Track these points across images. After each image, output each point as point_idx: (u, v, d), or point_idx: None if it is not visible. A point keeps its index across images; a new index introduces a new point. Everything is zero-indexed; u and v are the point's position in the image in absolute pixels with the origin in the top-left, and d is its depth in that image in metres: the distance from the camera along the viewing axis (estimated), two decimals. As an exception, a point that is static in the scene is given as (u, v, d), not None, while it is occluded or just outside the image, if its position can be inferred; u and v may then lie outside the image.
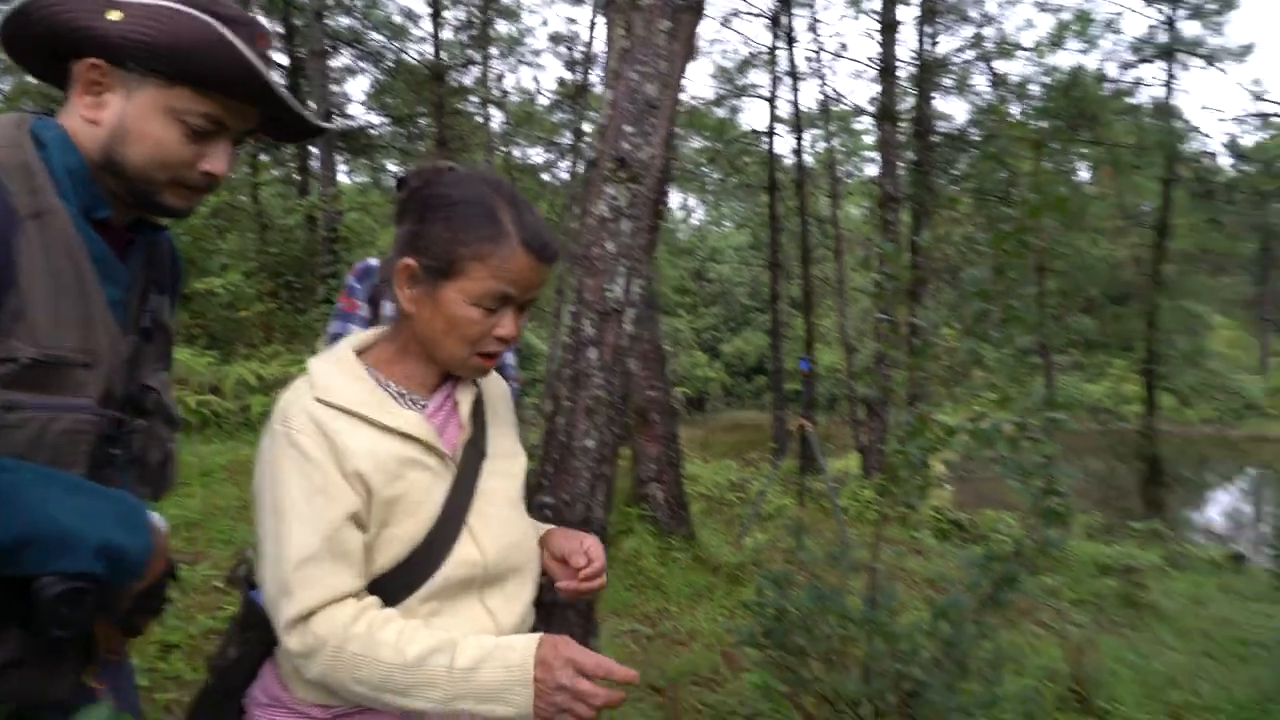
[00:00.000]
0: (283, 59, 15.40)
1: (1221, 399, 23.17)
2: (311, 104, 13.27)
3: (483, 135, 15.78)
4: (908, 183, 10.89)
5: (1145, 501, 10.46)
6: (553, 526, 1.45)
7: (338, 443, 1.14)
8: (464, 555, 1.21)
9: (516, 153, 18.49)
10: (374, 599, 1.15)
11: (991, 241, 2.40)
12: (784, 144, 26.34)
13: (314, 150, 13.77)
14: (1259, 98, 12.21)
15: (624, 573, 5.09)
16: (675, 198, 41.30)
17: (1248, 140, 13.97)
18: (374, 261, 2.52)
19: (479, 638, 1.14)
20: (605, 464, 1.66)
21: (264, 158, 14.65)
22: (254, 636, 1.24)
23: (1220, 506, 14.67)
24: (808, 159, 15.43)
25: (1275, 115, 11.90)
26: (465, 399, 1.30)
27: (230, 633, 1.29)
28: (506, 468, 1.34)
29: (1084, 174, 15.65)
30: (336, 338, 2.53)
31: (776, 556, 6.06)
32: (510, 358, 2.74)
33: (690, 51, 1.82)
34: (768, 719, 3.47)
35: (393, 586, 1.17)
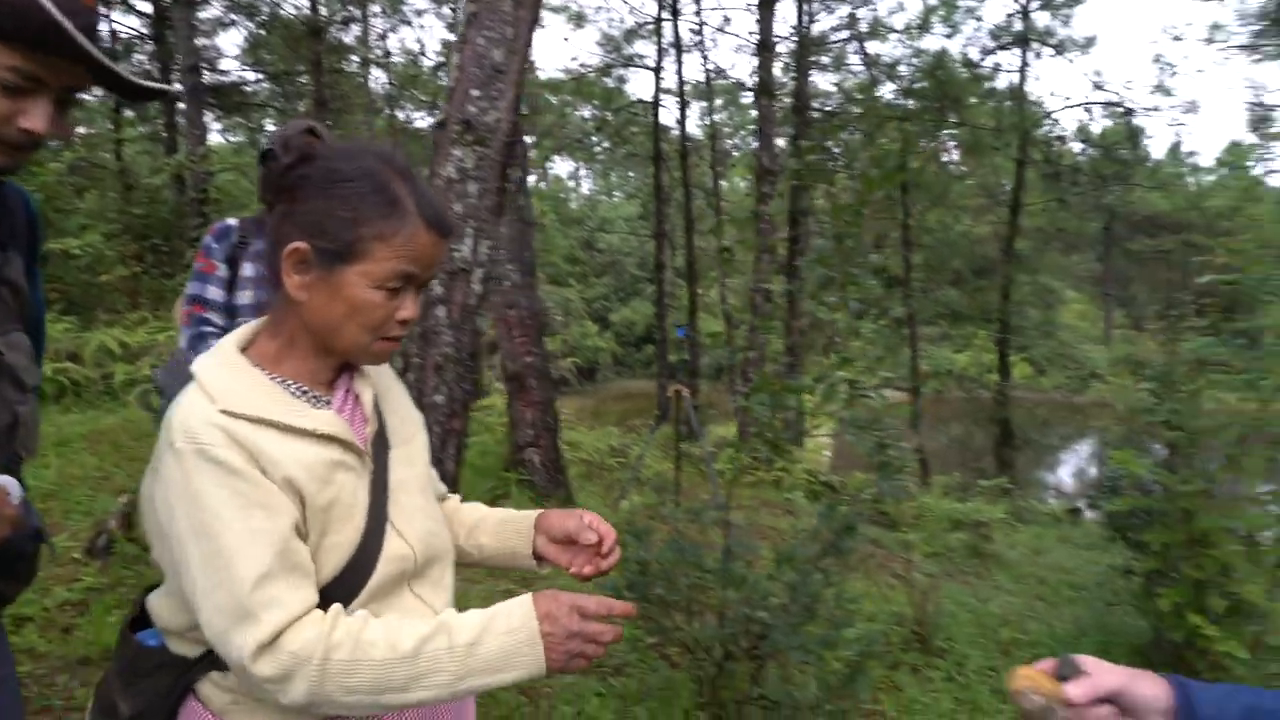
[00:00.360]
0: (145, 7, 14.42)
1: (1071, 368, 25.00)
2: (178, 57, 12.51)
3: (364, 96, 15.26)
4: (785, 157, 11.27)
5: (997, 462, 11.29)
6: (543, 510, 1.38)
7: (258, 452, 1.04)
8: (394, 551, 1.16)
9: (401, 115, 17.97)
10: (337, 606, 1.06)
11: (832, 212, 2.57)
12: (670, 115, 26.62)
13: (181, 106, 13.02)
14: (1099, 87, 13.24)
15: (500, 536, 5.16)
16: (565, 166, 41.05)
17: (1095, 127, 15.08)
18: (232, 221, 2.49)
19: (468, 613, 1.09)
20: (456, 419, 1.73)
21: (128, 113, 13.75)
22: (151, 685, 1.13)
23: (1064, 466, 15.96)
24: (693, 131, 15.67)
25: (1114, 104, 12.96)
26: (365, 390, 1.23)
27: (110, 690, 1.16)
28: (410, 455, 1.28)
29: (954, 155, 16.50)
30: (195, 300, 2.49)
31: (652, 517, 6.26)
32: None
33: (536, 17, 1.88)
34: (636, 669, 3.63)
35: (337, 594, 1.09)
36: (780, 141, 13.34)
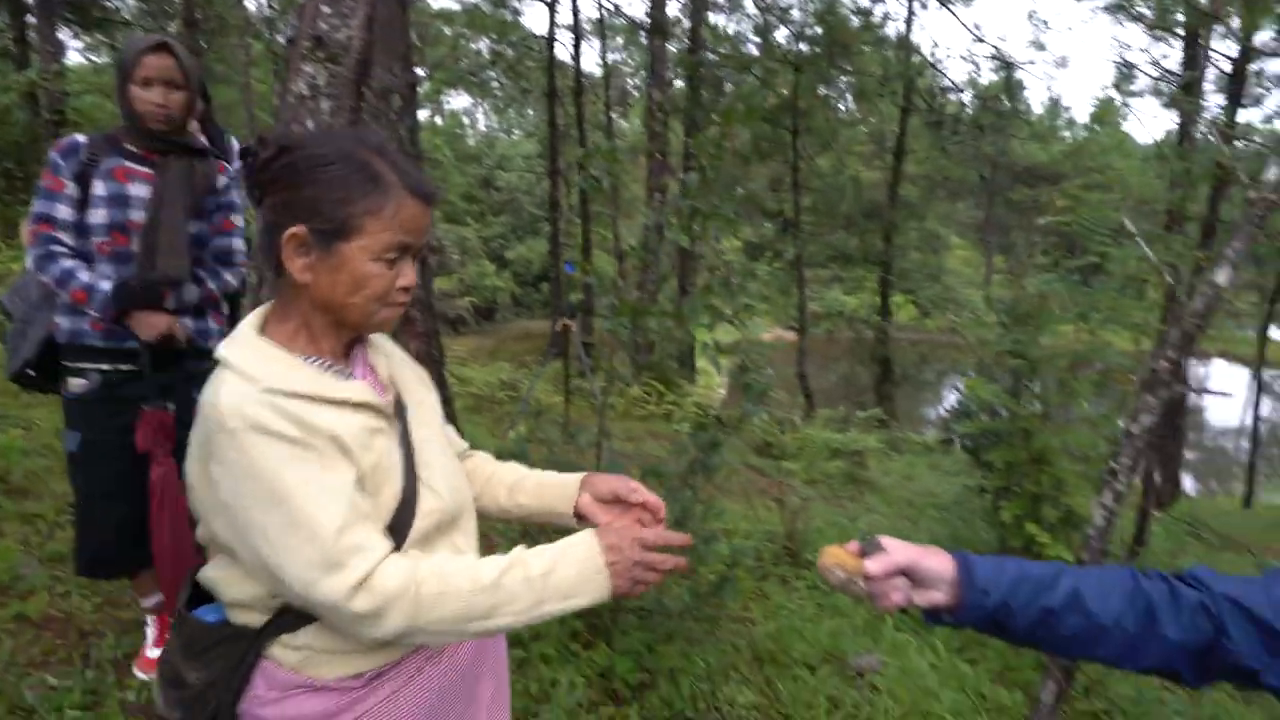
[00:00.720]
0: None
1: (954, 310, 26.23)
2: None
3: (240, 17, 14.39)
4: (680, 97, 11.32)
5: (878, 397, 11.89)
6: (589, 472, 1.43)
7: (308, 423, 1.10)
8: (429, 505, 1.23)
9: (281, 39, 17.04)
10: (440, 556, 1.18)
11: (695, 144, 2.68)
12: (565, 52, 26.13)
13: (31, 20, 11.99)
14: (979, 40, 13.76)
15: (386, 466, 5.18)
16: (462, 101, 39.79)
17: (977, 79, 15.65)
18: (81, 138, 2.40)
19: (538, 548, 1.18)
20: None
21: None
22: (218, 656, 1.20)
23: (938, 401, 16.91)
24: (591, 68, 15.47)
25: (993, 57, 13.52)
26: (379, 359, 1.31)
27: (174, 664, 1.22)
28: (425, 416, 1.34)
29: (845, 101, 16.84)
30: (42, 219, 2.41)
31: (538, 447, 6.38)
32: (239, 242, 2.72)
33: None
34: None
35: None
36: (678, 83, 13.36)
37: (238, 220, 2.67)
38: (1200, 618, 1.07)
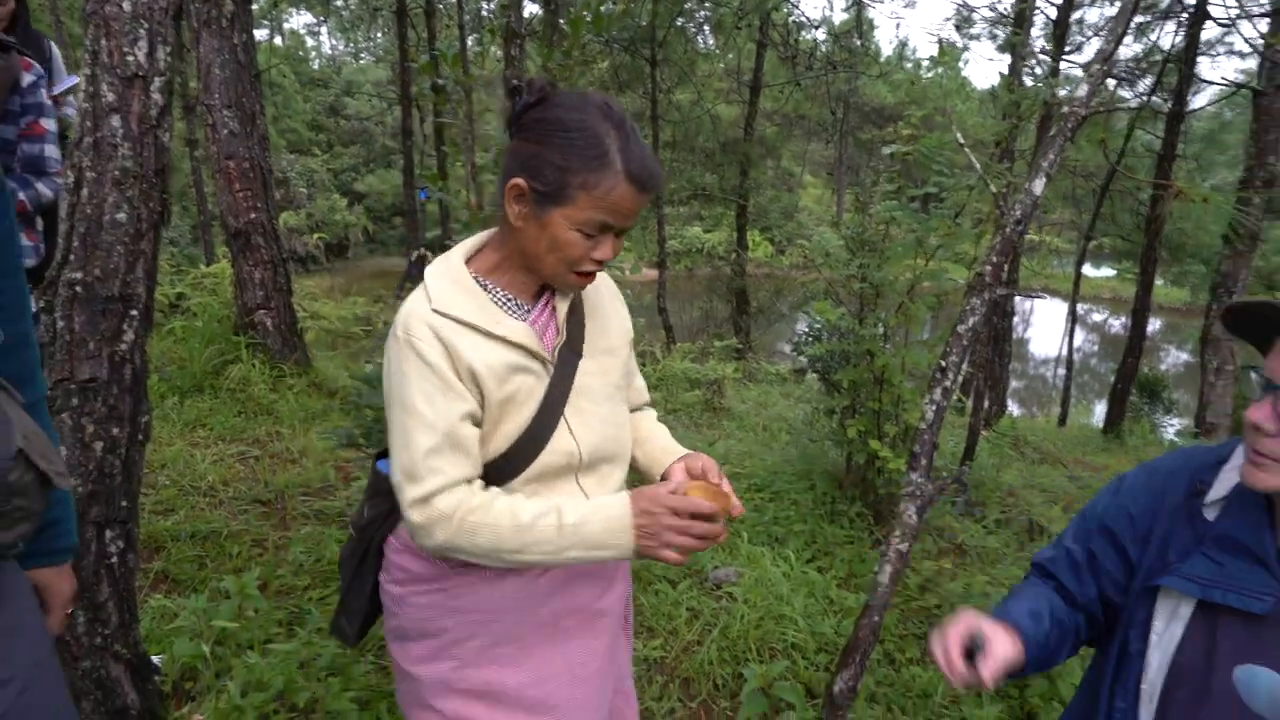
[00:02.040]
0: None
1: (808, 247, 27.16)
2: None
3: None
4: (538, 22, 10.96)
5: (734, 329, 12.24)
6: (692, 452, 1.51)
7: (454, 349, 1.25)
8: (560, 445, 1.36)
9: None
10: (495, 490, 1.31)
11: (549, 64, 2.62)
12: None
13: None
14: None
15: (231, 400, 4.93)
16: (304, 19, 37.16)
17: (832, 16, 16.01)
18: None
19: (577, 500, 1.30)
20: (143, 240, 1.62)
21: None
22: (382, 500, 1.44)
23: (793, 332, 17.63)
24: (443, -12, 14.72)
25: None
26: (562, 305, 1.40)
27: (364, 498, 1.51)
28: (602, 365, 1.44)
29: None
30: None
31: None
32: (52, 149, 2.47)
33: None
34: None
35: (501, 470, 1.33)
36: (534, 7, 12.95)
37: (49, 124, 2.41)
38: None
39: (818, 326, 5.00)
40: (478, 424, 1.31)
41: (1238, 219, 4.63)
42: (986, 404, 9.10)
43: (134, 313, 1.69)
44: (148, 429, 1.98)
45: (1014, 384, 19.02)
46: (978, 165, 2.14)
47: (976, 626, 1.31)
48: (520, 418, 1.33)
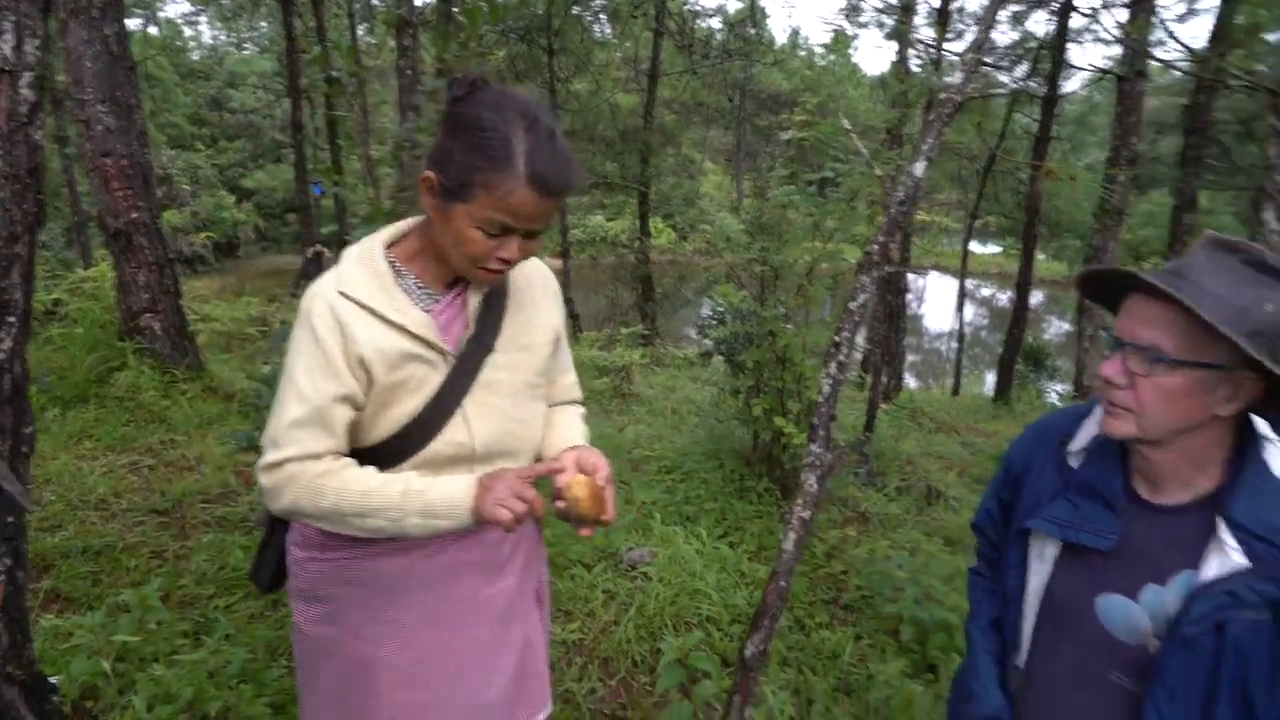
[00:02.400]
0: None
1: (710, 232, 27.49)
2: None
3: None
4: (430, 11, 10.73)
5: (640, 315, 12.34)
6: (586, 447, 1.52)
7: (348, 332, 1.29)
8: (452, 436, 1.38)
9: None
10: (347, 459, 1.34)
11: (442, 54, 2.60)
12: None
13: None
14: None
15: (120, 409, 4.71)
16: (180, 6, 35.33)
17: (731, 6, 16.25)
18: None
19: (425, 475, 1.34)
20: (18, 243, 1.55)
21: None
22: None
23: (698, 317, 17.91)
24: (329, -25, 14.22)
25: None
26: (474, 298, 1.41)
27: None
28: (515, 361, 1.45)
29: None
30: None
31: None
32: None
33: None
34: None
35: (388, 453, 1.36)
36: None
37: None
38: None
39: (721, 310, 5.12)
40: (357, 407, 1.34)
41: (1105, 196, 4.92)
42: (884, 379, 9.47)
43: (11, 319, 1.61)
44: (31, 441, 1.89)
45: (910, 358, 19.79)
46: (864, 151, 2.25)
47: None
48: (410, 405, 1.35)
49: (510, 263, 1.32)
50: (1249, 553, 1.16)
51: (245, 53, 37.49)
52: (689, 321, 16.58)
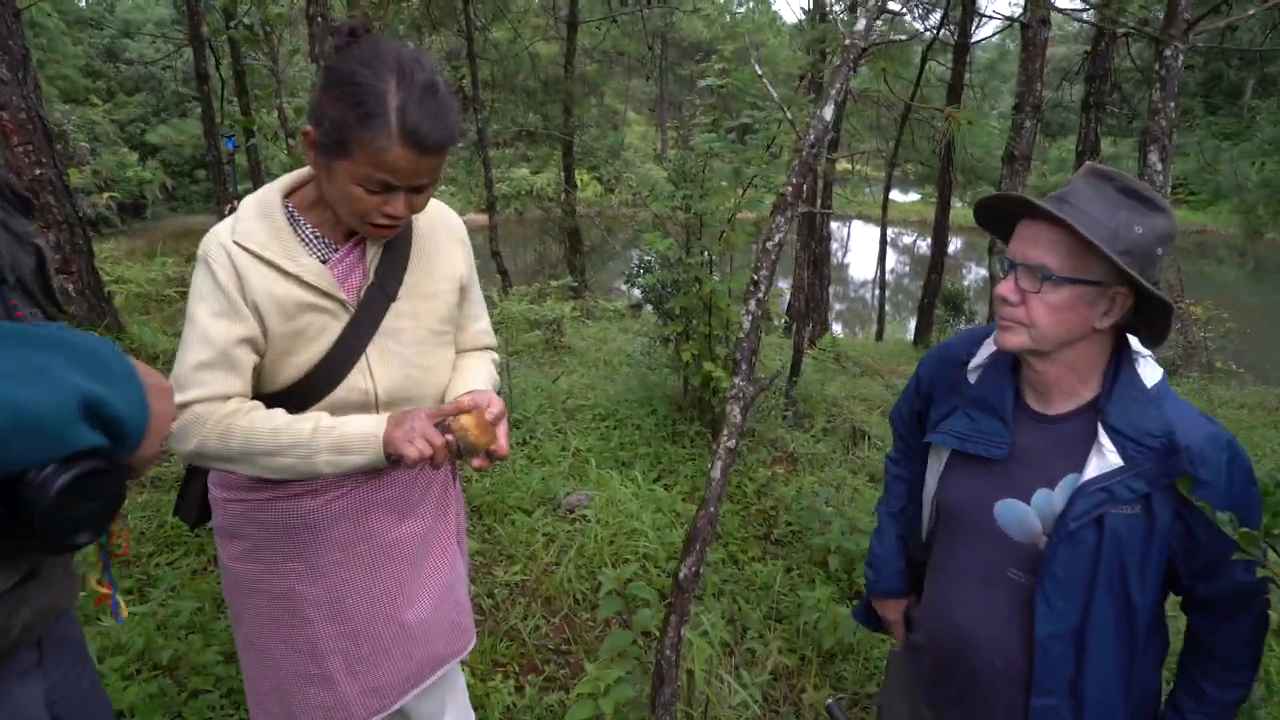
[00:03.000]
0: None
1: (634, 183, 27.41)
2: None
3: None
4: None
5: (569, 269, 12.34)
6: (486, 391, 1.51)
7: (244, 279, 1.31)
8: (355, 383, 1.41)
9: None
10: (255, 402, 1.36)
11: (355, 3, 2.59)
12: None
13: None
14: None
15: (36, 376, 4.56)
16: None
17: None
18: None
19: (335, 416, 1.36)
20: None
21: None
22: None
23: (627, 268, 17.95)
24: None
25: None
26: (373, 248, 1.42)
27: None
28: (417, 309, 1.47)
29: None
30: None
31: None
32: None
33: None
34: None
35: (293, 399, 1.39)
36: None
37: None
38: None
39: (649, 259, 5.19)
40: (259, 351, 1.36)
41: (1010, 142, 5.14)
42: (810, 325, 9.73)
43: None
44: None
45: (838, 306, 20.25)
46: (775, 96, 2.34)
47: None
48: (311, 352, 1.38)
49: (398, 218, 1.32)
50: (1123, 453, 1.30)
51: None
52: (618, 274, 16.60)
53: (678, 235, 4.76)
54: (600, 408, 5.26)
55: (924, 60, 11.70)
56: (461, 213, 4.03)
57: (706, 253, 4.58)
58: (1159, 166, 3.47)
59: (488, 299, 9.46)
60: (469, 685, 2.48)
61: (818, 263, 9.61)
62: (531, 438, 4.71)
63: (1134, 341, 1.39)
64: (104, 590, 1.02)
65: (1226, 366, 10.45)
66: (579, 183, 21.34)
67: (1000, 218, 1.44)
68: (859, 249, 30.47)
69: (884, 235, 16.40)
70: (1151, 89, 3.61)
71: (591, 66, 19.01)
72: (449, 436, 1.35)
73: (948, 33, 11.31)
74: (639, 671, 2.38)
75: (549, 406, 5.23)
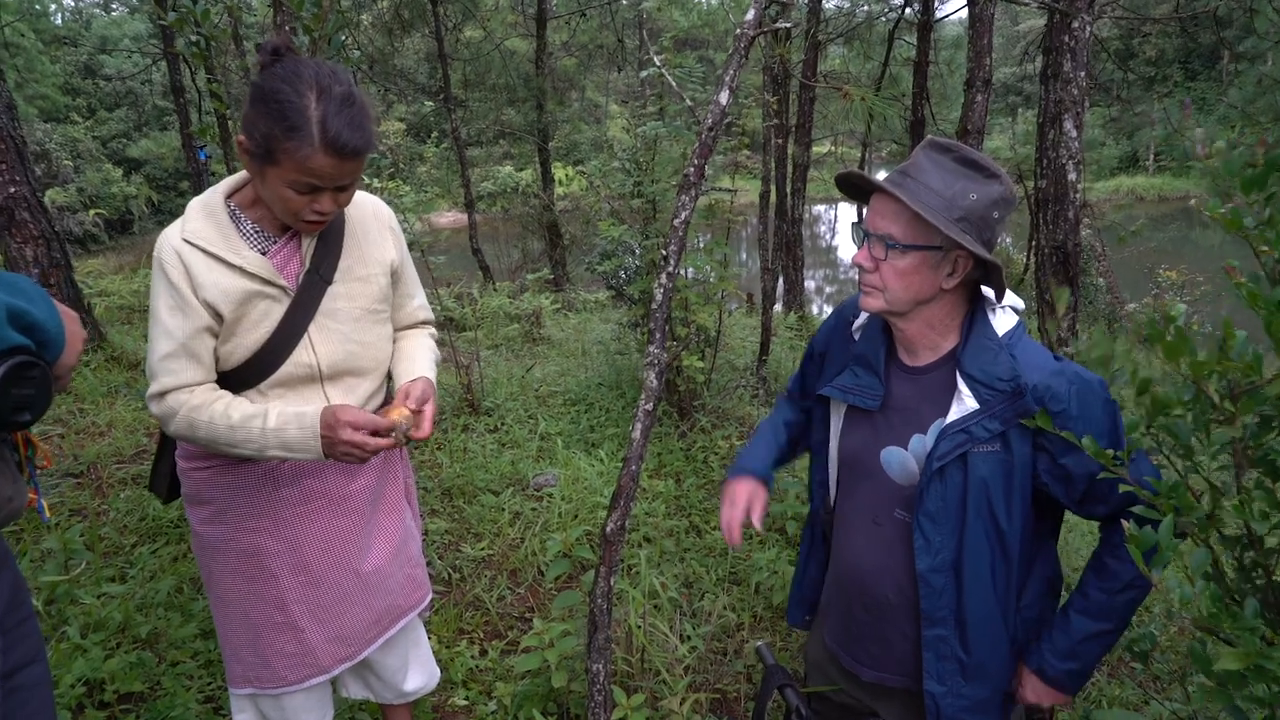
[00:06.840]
0: None
1: (589, 171, 27.39)
2: None
3: None
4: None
5: (550, 262, 12.47)
6: (423, 379, 1.72)
7: (194, 274, 1.48)
8: (300, 359, 1.59)
9: None
10: (217, 388, 1.56)
11: (293, 7, 2.73)
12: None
13: None
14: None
15: (20, 385, 4.72)
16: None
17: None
18: None
19: (284, 408, 1.53)
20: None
21: None
22: None
23: (587, 257, 17.98)
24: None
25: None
26: (309, 239, 1.60)
27: None
28: (352, 291, 1.65)
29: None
30: None
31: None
32: None
33: None
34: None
35: (246, 375, 1.57)
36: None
37: None
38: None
39: (609, 245, 5.34)
40: (215, 337, 1.54)
41: (964, 117, 5.30)
42: (787, 307, 9.87)
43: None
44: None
45: (828, 289, 20.35)
46: (674, 83, 2.49)
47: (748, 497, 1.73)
48: (258, 333, 1.56)
49: (326, 214, 1.50)
50: (978, 397, 1.45)
51: (115, 14, 35.35)
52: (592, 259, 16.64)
53: (633, 221, 4.90)
54: (571, 393, 5.42)
55: (891, 40, 11.82)
56: (444, 212, 4.17)
57: (662, 237, 4.73)
58: (1074, 134, 3.62)
59: (468, 295, 9.54)
60: (435, 651, 2.65)
61: (790, 245, 9.74)
62: (502, 424, 4.87)
63: (988, 292, 1.50)
64: (31, 495, 1.22)
65: (1201, 328, 10.63)
66: (563, 178, 21.44)
67: (859, 192, 1.59)
68: (847, 231, 30.58)
69: (860, 215, 16.51)
70: (1061, 60, 3.77)
71: (569, 61, 19.05)
72: (393, 435, 1.56)
73: (912, 11, 11.43)
74: (584, 625, 2.56)
75: (520, 394, 5.39)
